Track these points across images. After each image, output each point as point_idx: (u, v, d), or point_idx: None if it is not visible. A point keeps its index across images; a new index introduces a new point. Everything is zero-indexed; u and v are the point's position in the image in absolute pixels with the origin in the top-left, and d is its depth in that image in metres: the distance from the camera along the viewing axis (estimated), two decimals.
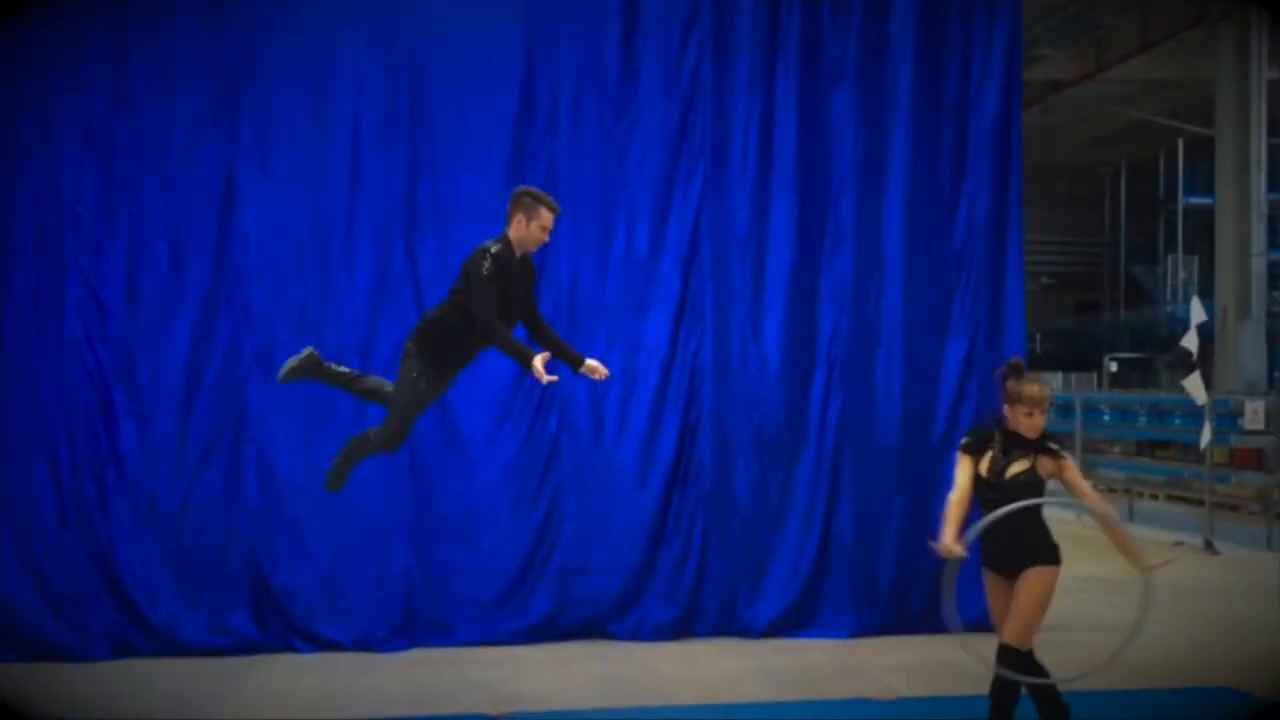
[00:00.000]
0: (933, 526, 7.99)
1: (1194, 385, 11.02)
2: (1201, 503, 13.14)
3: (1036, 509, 4.91)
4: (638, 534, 7.77)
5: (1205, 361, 12.40)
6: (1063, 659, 7.43)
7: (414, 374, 5.31)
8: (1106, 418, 15.92)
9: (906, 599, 7.94)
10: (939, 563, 8.09)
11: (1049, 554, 4.92)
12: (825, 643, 7.69)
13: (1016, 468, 4.93)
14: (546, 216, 5.25)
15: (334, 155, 7.61)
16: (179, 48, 7.49)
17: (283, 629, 7.42)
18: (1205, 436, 11.69)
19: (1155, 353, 24.99)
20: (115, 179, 7.43)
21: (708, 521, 7.85)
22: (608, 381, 7.73)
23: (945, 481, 7.97)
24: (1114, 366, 25.65)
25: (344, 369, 5.72)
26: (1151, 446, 17.63)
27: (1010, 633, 4.90)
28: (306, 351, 5.58)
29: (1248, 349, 17.06)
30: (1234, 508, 14.16)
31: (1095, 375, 25.44)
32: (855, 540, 7.90)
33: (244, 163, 7.53)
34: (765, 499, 7.90)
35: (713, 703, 6.27)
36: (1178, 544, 12.25)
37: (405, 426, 5.40)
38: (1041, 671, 5.03)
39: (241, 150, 7.53)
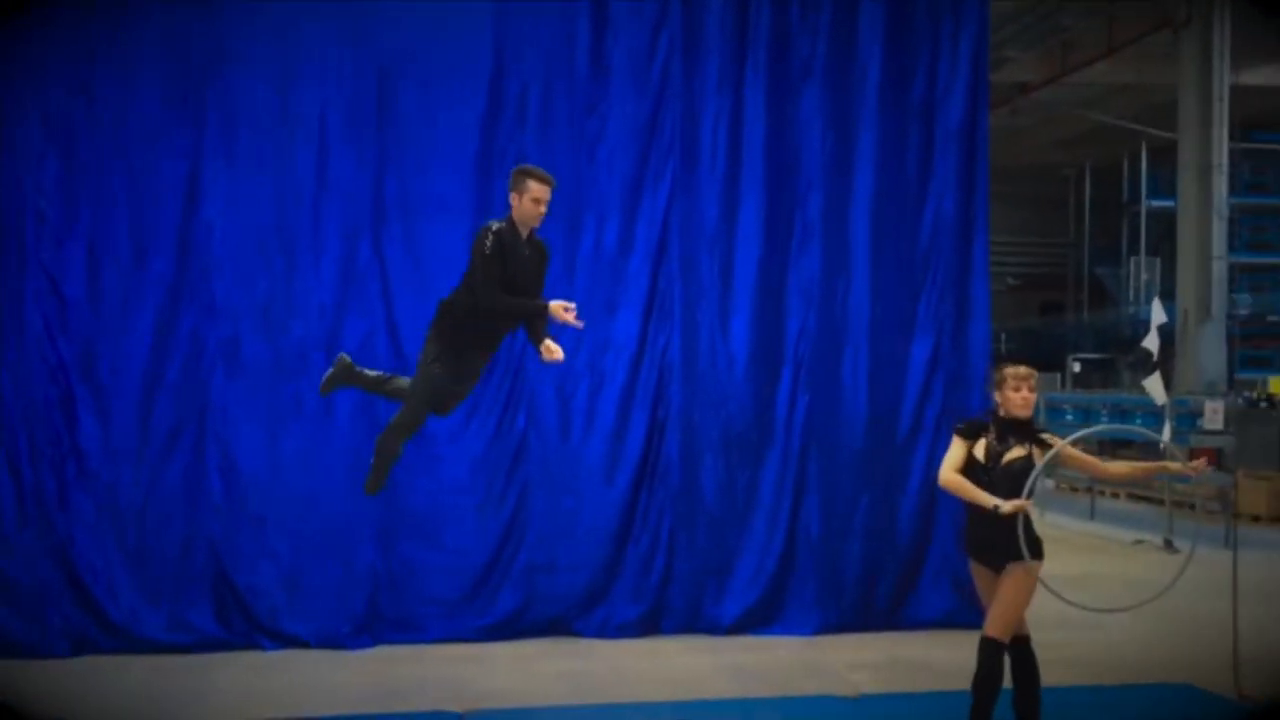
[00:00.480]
0: (898, 524, 8.09)
1: (1154, 385, 11.12)
2: (1161, 502, 13.31)
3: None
4: (605, 531, 7.78)
5: (1166, 362, 12.53)
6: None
7: (429, 359, 5.29)
8: (1069, 417, 16.09)
9: (871, 596, 8.00)
10: (904, 560, 8.22)
11: (1033, 548, 4.94)
12: (791, 640, 7.73)
13: (1013, 454, 4.96)
14: (535, 188, 5.21)
15: (300, 148, 7.55)
16: (143, 38, 7.40)
17: (246, 626, 7.35)
18: (1165, 436, 11.81)
19: (1118, 353, 25.26)
20: (77, 170, 7.33)
21: (675, 519, 7.86)
22: (576, 379, 7.79)
23: (911, 479, 8.11)
24: (1077, 367, 25.90)
25: (375, 372, 5.72)
26: (1113, 446, 17.83)
27: (993, 625, 4.95)
28: (339, 359, 5.63)
29: (1208, 350, 17.27)
30: (1193, 506, 14.34)
31: (1059, 375, 25.68)
32: (821, 538, 7.94)
33: (209, 155, 7.46)
34: (732, 496, 7.92)
35: (679, 699, 6.28)
36: (1138, 542, 12.41)
37: (419, 414, 5.34)
38: (1032, 663, 5.06)
39: (206, 142, 7.46)
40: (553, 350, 5.16)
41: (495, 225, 5.22)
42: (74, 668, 6.92)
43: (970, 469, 4.99)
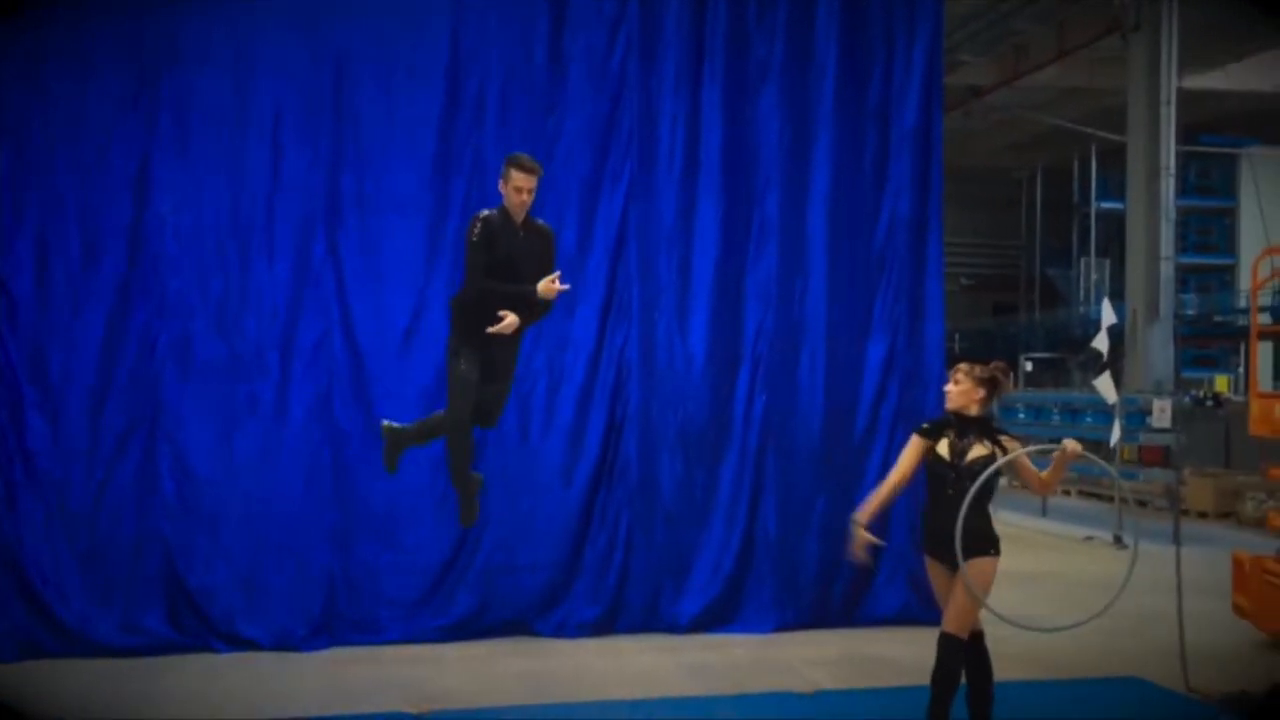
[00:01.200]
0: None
1: (1105, 385, 11.34)
2: (1112, 499, 13.52)
3: (982, 500, 4.98)
4: (563, 531, 7.77)
5: (1116, 362, 12.73)
6: None
7: (452, 356, 5.32)
8: (1022, 415, 16.29)
9: (828, 594, 8.05)
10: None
11: (990, 544, 5.00)
12: (748, 637, 7.76)
13: (975, 453, 5.02)
14: (515, 177, 5.24)
15: (254, 144, 7.47)
16: (96, 33, 7.29)
17: (199, 629, 7.27)
18: (1115, 434, 12.03)
19: (1068, 353, 25.63)
20: (25, 165, 7.21)
21: (633, 518, 7.87)
22: (534, 378, 7.77)
23: (867, 478, 8.16)
24: (1029, 366, 26.25)
25: (414, 423, 5.70)
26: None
27: (950, 622, 5.00)
28: (383, 431, 5.63)
29: (1156, 350, 17.56)
30: (1142, 503, 14.60)
31: (1011, 375, 26.01)
32: (778, 536, 7.99)
33: (161, 151, 7.36)
34: (690, 495, 7.95)
35: (637, 698, 6.29)
36: (1089, 539, 12.60)
37: (458, 414, 5.31)
38: (984, 659, 5.12)
39: (158, 138, 7.36)
40: (552, 286, 5.17)
41: (485, 213, 5.29)
42: (23, 672, 6.80)
43: (937, 466, 5.06)
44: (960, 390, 5.12)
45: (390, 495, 7.57)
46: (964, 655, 5.01)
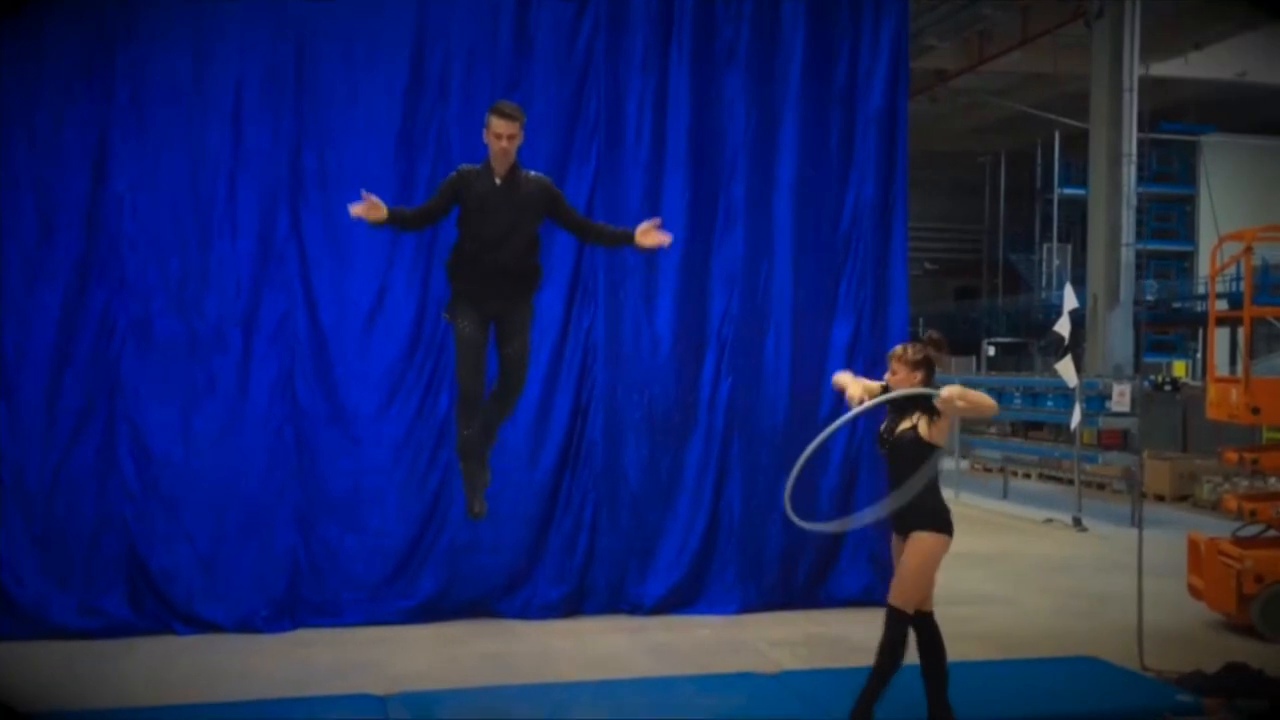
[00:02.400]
0: (819, 503, 8.19)
1: (1066, 368, 11.45)
2: (1071, 481, 13.69)
3: (932, 478, 5.03)
4: (528, 512, 7.75)
5: (1077, 346, 12.87)
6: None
7: (451, 318, 5.26)
8: None
9: (792, 575, 8.10)
10: (823, 539, 8.32)
11: (937, 520, 5.04)
12: (713, 619, 7.79)
13: (903, 425, 5.10)
14: (495, 123, 5.14)
15: (214, 119, 7.36)
16: (51, 6, 7.13)
17: (160, 611, 7.19)
18: (1075, 418, 12.17)
19: (1030, 337, 25.90)
20: None
21: (598, 500, 7.87)
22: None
23: (832, 460, 8.21)
24: (991, 350, 26.50)
25: (473, 424, 5.41)
26: (1025, 428, 18.29)
27: (894, 594, 5.06)
28: (460, 442, 5.44)
29: (1116, 335, 17.79)
30: (1101, 486, 14.80)
31: (974, 358, 26.25)
32: (743, 518, 8.02)
33: (118, 127, 7.23)
34: (655, 478, 7.95)
35: (601, 679, 6.29)
36: (1048, 520, 12.76)
37: (461, 374, 5.23)
38: (935, 637, 5.15)
39: (115, 114, 7.23)
40: (650, 233, 5.18)
41: (465, 167, 5.28)
42: None
43: (880, 442, 5.19)
44: (900, 380, 5.14)
45: (353, 476, 7.52)
46: (905, 629, 5.04)
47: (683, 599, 7.91)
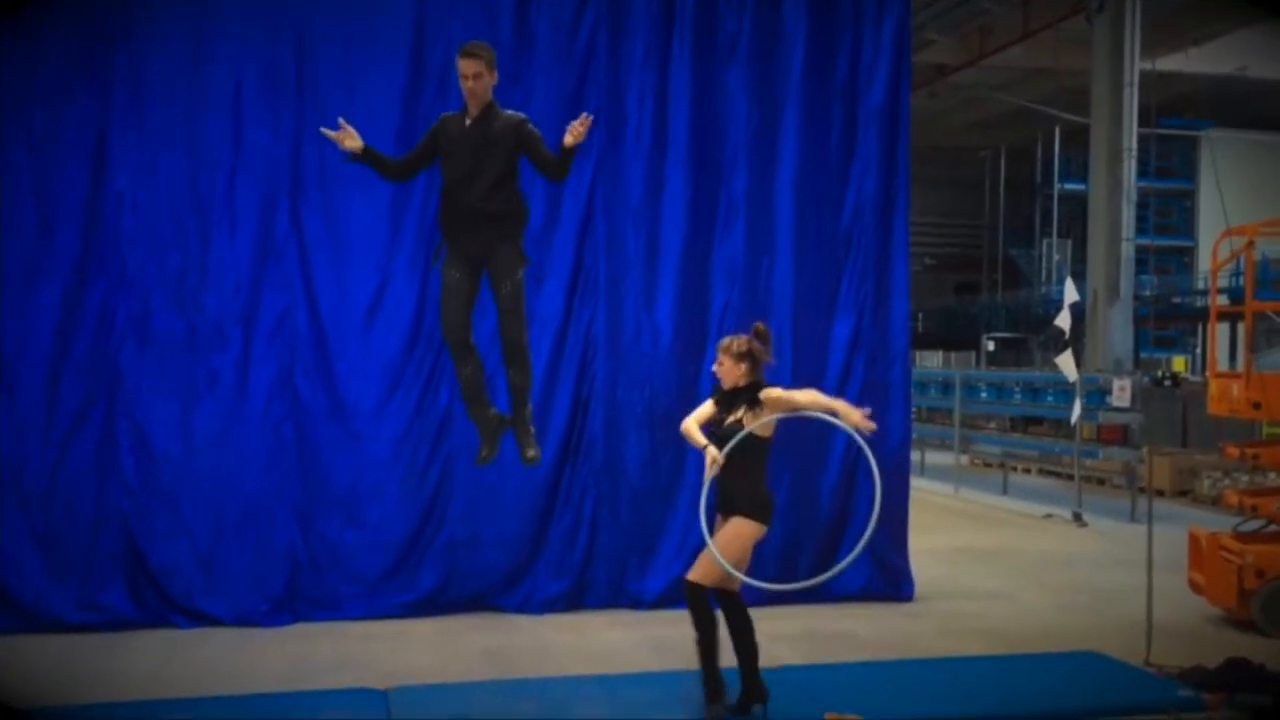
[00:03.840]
0: (819, 499, 8.19)
1: (1066, 363, 11.46)
2: (1071, 477, 13.69)
3: (755, 467, 5.21)
4: (528, 507, 7.75)
5: (1077, 341, 12.87)
6: (932, 626, 7.72)
7: (438, 265, 5.30)
8: (984, 394, 16.44)
9: (793, 570, 8.07)
10: (823, 535, 8.32)
11: (758, 509, 5.19)
12: (715, 613, 7.77)
13: (730, 418, 5.27)
14: (460, 65, 5.17)
15: (214, 117, 7.35)
16: (49, 2, 7.11)
17: (160, 605, 7.19)
18: (1075, 413, 12.17)
19: (1029, 332, 25.89)
20: None
21: (598, 495, 7.87)
22: (500, 354, 7.70)
23: (831, 455, 8.21)
24: (991, 345, 26.51)
25: (464, 367, 5.46)
26: (1025, 423, 18.30)
27: (694, 569, 5.25)
28: (462, 389, 5.48)
29: (1116, 330, 17.79)
30: (1101, 481, 14.80)
31: (974, 354, 26.26)
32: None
33: (117, 123, 7.22)
34: (656, 473, 7.95)
35: (601, 673, 6.30)
36: (1048, 516, 12.76)
37: (444, 316, 5.30)
38: (740, 614, 5.31)
39: (114, 109, 7.22)
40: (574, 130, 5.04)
41: (446, 114, 5.35)
42: None
43: (712, 432, 5.33)
44: (725, 370, 5.32)
45: (353, 471, 7.52)
46: (704, 602, 5.22)
47: (683, 594, 7.88)
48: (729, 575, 5.17)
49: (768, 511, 5.24)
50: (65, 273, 7.16)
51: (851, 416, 5.02)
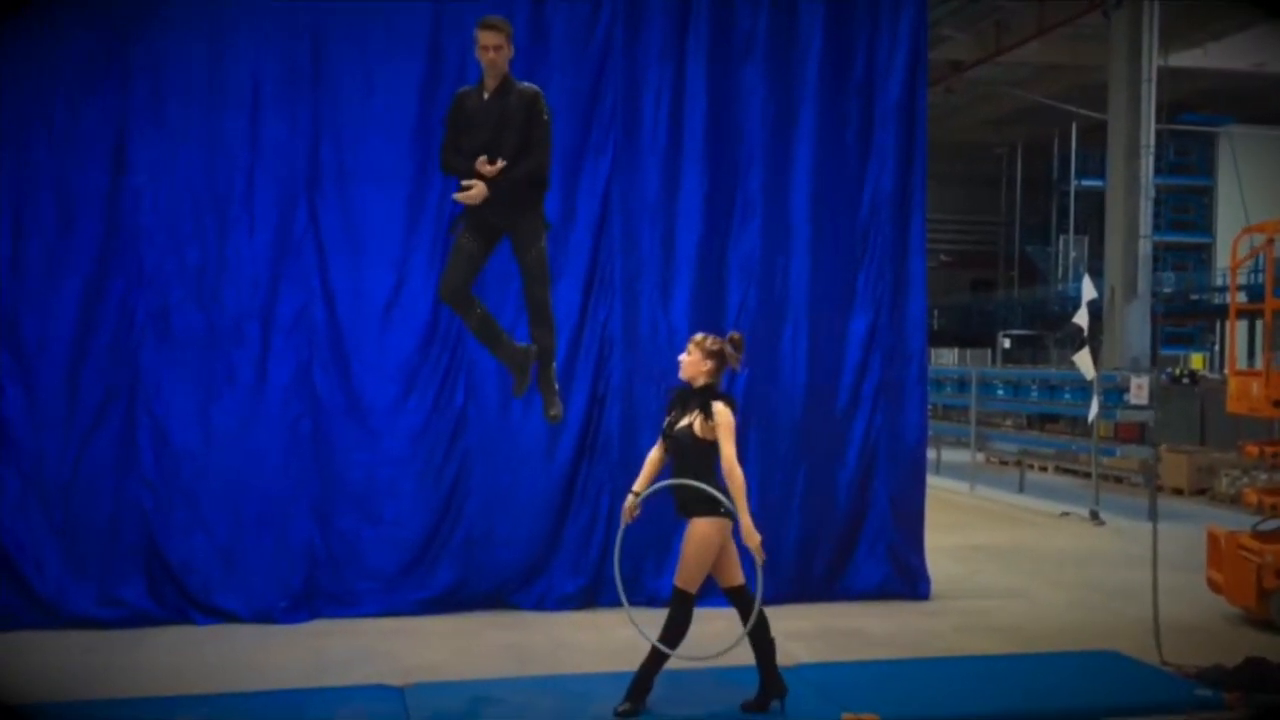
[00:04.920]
0: (836, 496, 8.18)
1: (1084, 361, 11.41)
2: (1088, 475, 13.63)
3: (706, 464, 5.26)
4: (544, 505, 7.76)
5: (1095, 338, 12.81)
6: (948, 625, 7.70)
7: (454, 233, 5.33)
8: (1000, 392, 16.38)
9: (809, 567, 8.09)
10: (841, 531, 8.31)
11: (707, 505, 5.23)
12: (728, 611, 7.75)
13: (683, 421, 5.30)
14: (480, 37, 5.17)
15: (232, 113, 7.38)
16: None
17: (178, 601, 7.23)
18: (1093, 411, 12.11)
19: (1046, 330, 25.79)
20: None
21: (614, 493, 7.85)
22: None
23: (848, 452, 8.20)
24: (1007, 342, 26.43)
25: (470, 315, 5.50)
26: (1042, 420, 18.23)
27: (678, 577, 5.32)
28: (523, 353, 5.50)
29: (1134, 327, 17.70)
30: (1119, 480, 14.73)
31: (990, 351, 26.17)
32: (759, 510, 7.90)
33: (136, 119, 7.26)
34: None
35: (617, 671, 6.29)
36: (1065, 514, 12.71)
37: (446, 270, 5.35)
38: (756, 607, 5.37)
39: (133, 106, 7.26)
40: (485, 165, 5.02)
41: (465, 88, 5.36)
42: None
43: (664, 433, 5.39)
44: (690, 361, 5.38)
45: (370, 467, 7.54)
46: (689, 609, 5.28)
47: (699, 592, 7.89)
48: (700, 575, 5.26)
49: (719, 503, 5.26)
50: (86, 268, 7.20)
51: (751, 539, 5.17)
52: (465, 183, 5.12)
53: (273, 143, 7.42)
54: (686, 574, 5.32)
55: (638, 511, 5.39)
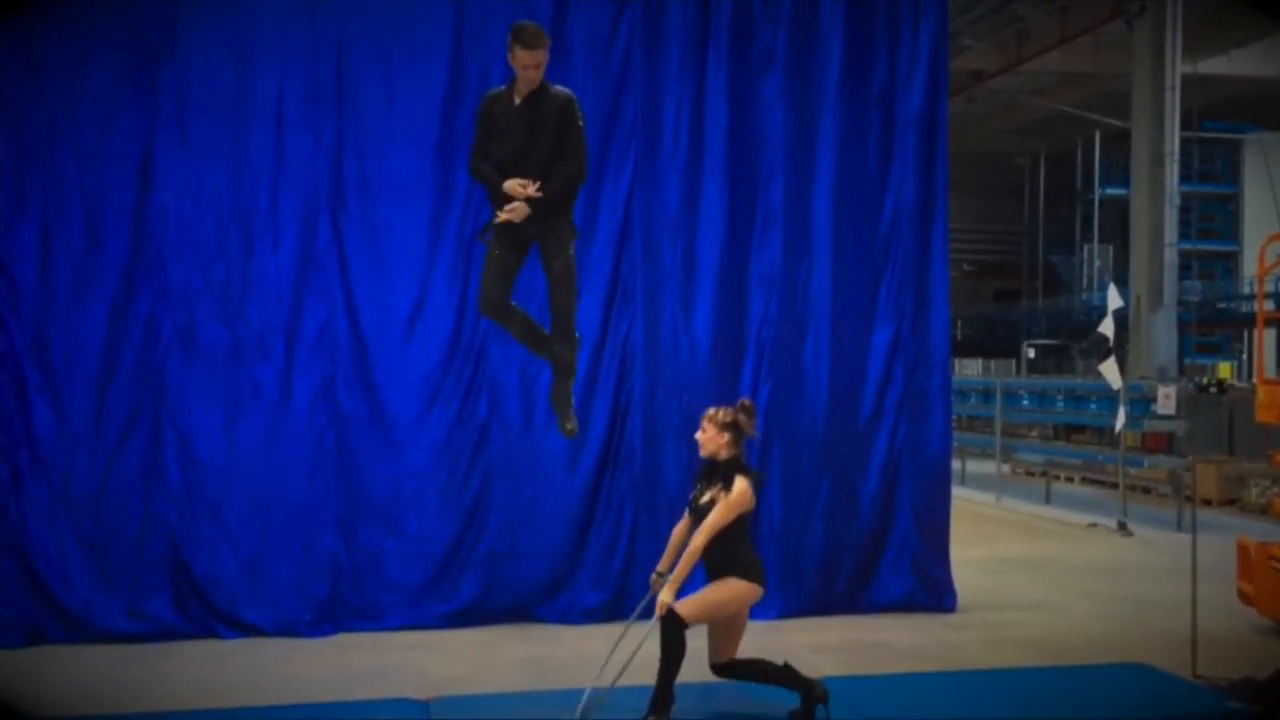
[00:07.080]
0: (860, 508, 8.13)
1: (1110, 370, 11.33)
2: (1116, 485, 13.51)
3: (731, 536, 5.30)
4: (567, 518, 7.76)
5: (1120, 347, 12.71)
6: (975, 637, 7.64)
7: (484, 241, 5.34)
8: (1025, 402, 16.27)
9: (833, 581, 8.05)
10: (865, 544, 8.27)
11: (750, 572, 5.37)
12: (753, 623, 7.64)
13: (707, 495, 5.37)
14: (520, 55, 5.09)
15: (256, 130, 7.45)
16: (94, 17, 7.26)
17: (204, 615, 7.27)
18: (1119, 421, 12.01)
19: (1071, 339, 25.60)
20: (26, 150, 7.19)
21: (637, 506, 7.86)
22: (538, 364, 7.72)
23: (872, 464, 8.17)
24: (1032, 352, 26.24)
25: (510, 326, 5.55)
26: (1068, 430, 18.09)
27: (684, 604, 5.31)
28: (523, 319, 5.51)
29: (1160, 336, 17.54)
30: (1146, 490, 14.59)
31: (1014, 361, 26.00)
32: (783, 522, 7.98)
33: (163, 136, 7.34)
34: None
35: (641, 684, 6.28)
36: (1092, 525, 12.60)
37: (484, 283, 5.36)
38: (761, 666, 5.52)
39: (160, 123, 7.33)
40: (517, 186, 5.05)
41: (494, 91, 5.33)
42: (27, 658, 6.81)
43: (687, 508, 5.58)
44: (707, 438, 5.44)
45: (394, 481, 7.57)
46: (681, 635, 5.27)
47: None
48: (701, 613, 5.31)
49: (757, 571, 5.39)
50: (113, 285, 7.27)
51: (664, 596, 5.25)
52: (509, 206, 5.09)
53: (296, 158, 7.48)
54: (697, 609, 5.33)
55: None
